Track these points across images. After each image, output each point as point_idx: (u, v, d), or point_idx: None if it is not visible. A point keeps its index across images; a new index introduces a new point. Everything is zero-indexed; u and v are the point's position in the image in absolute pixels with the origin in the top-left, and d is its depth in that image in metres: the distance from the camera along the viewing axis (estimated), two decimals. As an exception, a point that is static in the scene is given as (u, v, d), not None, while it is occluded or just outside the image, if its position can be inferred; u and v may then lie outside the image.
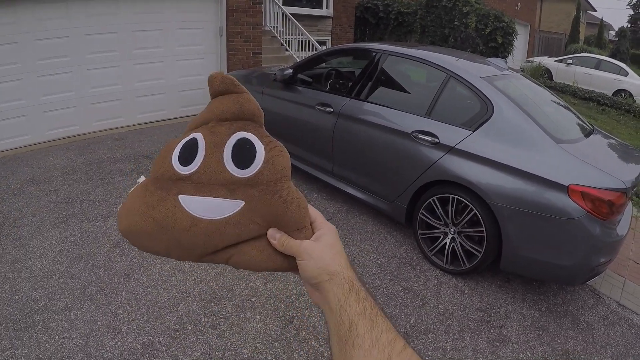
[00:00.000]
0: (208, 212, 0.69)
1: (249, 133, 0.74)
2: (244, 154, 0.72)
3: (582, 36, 32.61)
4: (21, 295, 3.29)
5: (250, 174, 0.71)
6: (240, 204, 0.70)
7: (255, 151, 0.72)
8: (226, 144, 0.72)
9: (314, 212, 0.76)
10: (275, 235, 0.71)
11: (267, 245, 0.72)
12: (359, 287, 0.66)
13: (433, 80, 4.27)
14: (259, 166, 0.72)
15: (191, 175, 0.72)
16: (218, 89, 0.76)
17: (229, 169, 0.71)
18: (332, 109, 4.68)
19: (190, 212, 0.69)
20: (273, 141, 0.75)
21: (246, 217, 0.70)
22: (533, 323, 3.41)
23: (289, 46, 10.67)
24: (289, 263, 0.72)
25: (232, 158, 0.72)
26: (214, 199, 0.70)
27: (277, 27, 10.62)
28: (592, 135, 4.11)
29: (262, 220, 0.71)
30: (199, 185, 0.71)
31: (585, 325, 3.47)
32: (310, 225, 0.75)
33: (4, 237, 4.02)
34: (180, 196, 0.70)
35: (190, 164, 0.72)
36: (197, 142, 0.73)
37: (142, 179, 0.78)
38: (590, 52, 21.28)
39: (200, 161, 0.72)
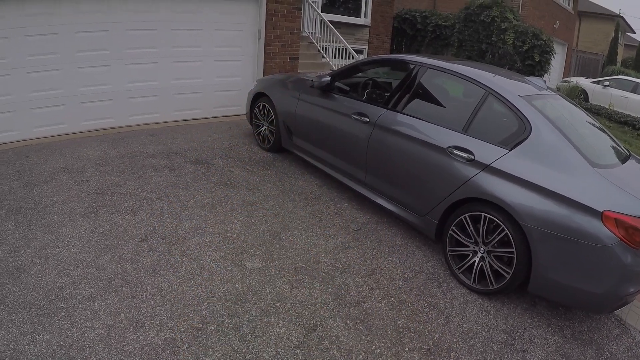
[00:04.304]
0: None
1: None
2: None
3: (619, 58, 31.97)
4: (47, 282, 3.34)
5: None
6: None
7: None
8: None
9: None
10: None
11: None
12: None
13: (471, 96, 4.21)
14: None
15: None
16: None
17: None
18: (368, 119, 4.66)
19: None
20: None
21: None
22: (557, 349, 3.32)
23: (325, 53, 10.70)
24: None
25: None
26: None
27: (314, 33, 10.70)
28: (628, 161, 4.02)
29: None
30: None
31: (609, 355, 3.37)
32: None
33: (34, 222, 4.09)
34: None
35: None
36: None
37: None
38: (627, 75, 20.84)
39: None
